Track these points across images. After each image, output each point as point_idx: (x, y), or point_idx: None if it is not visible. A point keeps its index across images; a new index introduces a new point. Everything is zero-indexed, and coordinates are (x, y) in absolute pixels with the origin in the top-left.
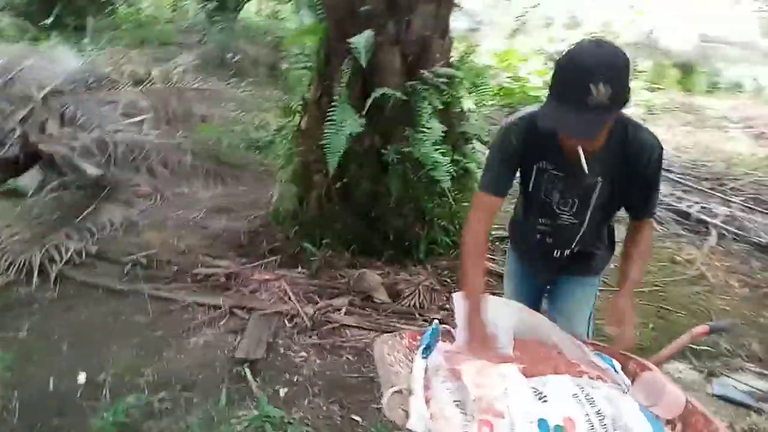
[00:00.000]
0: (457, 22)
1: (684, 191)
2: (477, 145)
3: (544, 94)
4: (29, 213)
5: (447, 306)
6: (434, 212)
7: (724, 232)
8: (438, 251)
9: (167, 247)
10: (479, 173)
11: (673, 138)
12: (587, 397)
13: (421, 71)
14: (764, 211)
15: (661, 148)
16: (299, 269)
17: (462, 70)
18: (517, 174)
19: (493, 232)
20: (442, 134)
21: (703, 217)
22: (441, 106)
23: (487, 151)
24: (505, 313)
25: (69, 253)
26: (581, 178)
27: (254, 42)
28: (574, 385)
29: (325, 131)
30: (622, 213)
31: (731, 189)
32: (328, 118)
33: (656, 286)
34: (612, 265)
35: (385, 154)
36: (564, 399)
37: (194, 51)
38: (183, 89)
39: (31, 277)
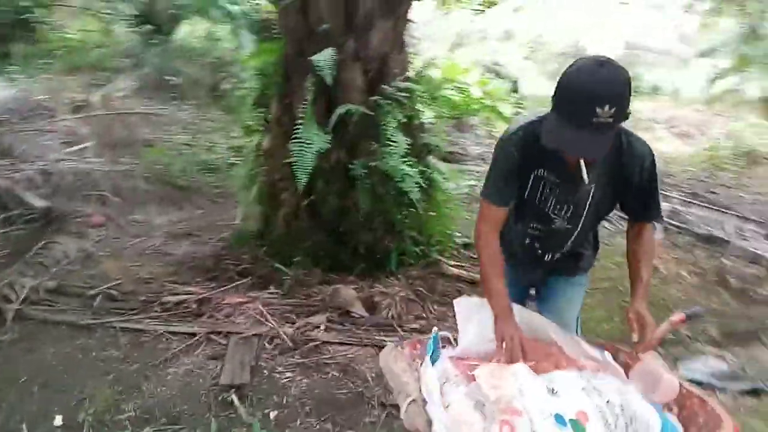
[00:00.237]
0: None
1: None
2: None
3: (485, 104)
4: None
5: (424, 315)
6: (403, 224)
7: (668, 225)
8: (409, 262)
9: (130, 277)
10: (443, 183)
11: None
12: (595, 389)
13: (383, 86)
14: (701, 204)
15: (653, 155)
16: (271, 290)
17: (420, 83)
18: None
19: (457, 240)
20: (408, 147)
21: None
22: (404, 120)
23: (444, 164)
24: None
25: (25, 291)
26: (578, 185)
27: (193, 63)
28: (580, 379)
29: (293, 149)
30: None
31: (669, 186)
32: (295, 136)
33: (614, 280)
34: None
35: (352, 168)
36: (574, 393)
37: (131, 75)
38: (125, 114)
39: None
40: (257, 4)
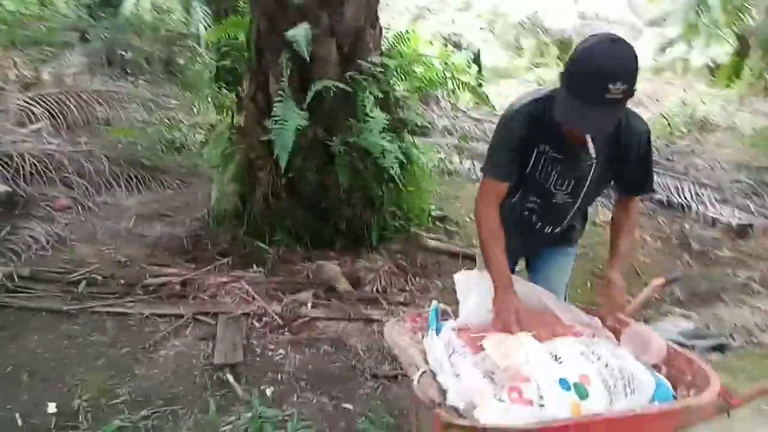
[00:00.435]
0: None
1: None
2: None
3: (448, 77)
4: None
5: (407, 288)
6: (383, 199)
7: None
8: (388, 236)
9: (106, 261)
10: (420, 157)
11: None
12: (594, 354)
13: (358, 61)
14: (660, 171)
15: (650, 132)
16: (254, 268)
17: (394, 58)
18: None
19: (433, 213)
20: (386, 122)
21: None
22: (381, 95)
23: (420, 138)
24: None
25: None
26: (580, 161)
27: (145, 37)
28: (579, 345)
29: (272, 127)
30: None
31: None
32: (273, 114)
33: (584, 248)
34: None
35: (331, 145)
36: (576, 358)
37: (79, 50)
38: (80, 92)
39: None
40: None
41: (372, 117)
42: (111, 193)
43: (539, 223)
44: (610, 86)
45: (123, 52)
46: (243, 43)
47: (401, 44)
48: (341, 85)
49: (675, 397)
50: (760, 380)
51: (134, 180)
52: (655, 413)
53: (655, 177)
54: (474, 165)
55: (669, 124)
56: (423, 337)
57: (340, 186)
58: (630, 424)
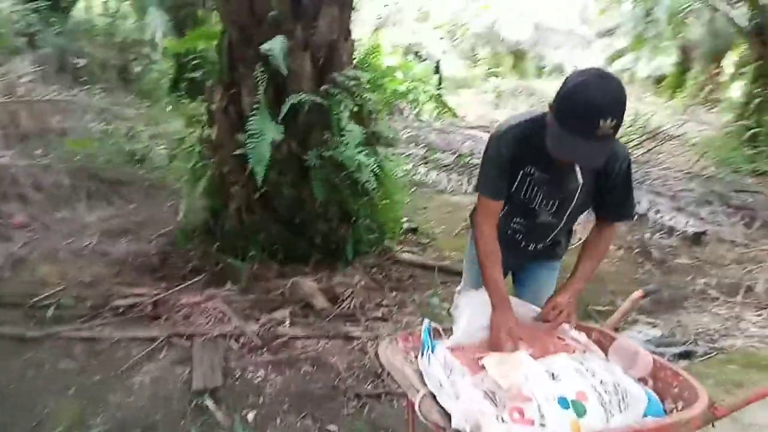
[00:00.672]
0: None
1: None
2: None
3: (408, 87)
4: None
5: (384, 303)
6: (358, 213)
7: None
8: (363, 250)
9: (70, 281)
10: (394, 170)
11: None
12: (588, 371)
13: (333, 74)
14: None
15: (630, 158)
16: (228, 286)
17: (366, 71)
18: None
19: (405, 225)
20: (363, 135)
21: None
22: (355, 109)
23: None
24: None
25: None
26: (567, 183)
27: (98, 44)
28: (573, 362)
29: (247, 141)
30: None
31: None
32: (248, 127)
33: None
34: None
35: (305, 159)
36: (571, 375)
37: (28, 57)
38: (32, 101)
39: None
40: None
41: (348, 131)
42: (71, 209)
43: (524, 242)
44: (601, 122)
45: (75, 59)
46: (210, 54)
47: (372, 57)
48: (317, 99)
49: (665, 410)
50: (726, 385)
51: (95, 194)
52: (652, 429)
53: None
54: (440, 176)
55: (622, 134)
56: (415, 356)
57: (315, 200)
58: None
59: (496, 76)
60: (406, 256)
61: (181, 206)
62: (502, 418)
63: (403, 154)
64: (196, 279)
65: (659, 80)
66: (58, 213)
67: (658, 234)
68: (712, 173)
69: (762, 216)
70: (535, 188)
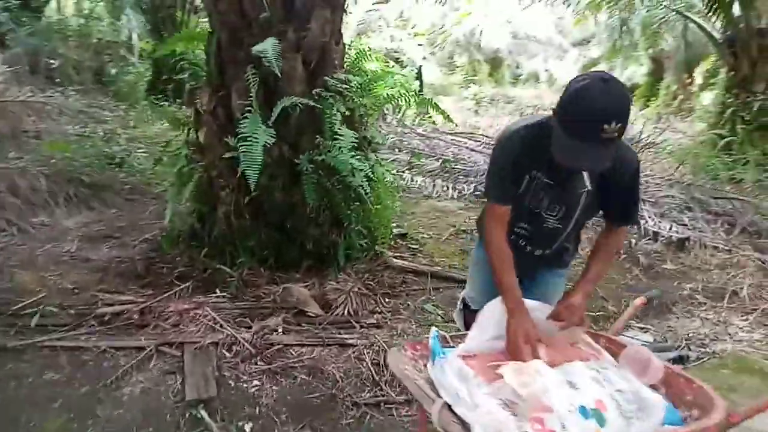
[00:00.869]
0: None
1: None
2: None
3: (399, 92)
4: None
5: (378, 309)
6: (351, 218)
7: None
8: (355, 256)
9: (52, 289)
10: (386, 175)
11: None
12: (605, 379)
13: (325, 78)
14: None
15: (639, 163)
16: (217, 293)
17: (359, 75)
18: None
19: (394, 230)
20: (355, 140)
21: None
22: (347, 113)
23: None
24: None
25: None
26: (574, 188)
27: (72, 45)
28: (590, 370)
29: (240, 144)
30: None
31: None
32: (239, 131)
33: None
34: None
35: (297, 163)
36: (589, 384)
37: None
38: (5, 102)
39: None
40: None
41: (341, 135)
42: (49, 213)
43: (529, 247)
44: (605, 126)
45: (49, 60)
46: (193, 57)
47: (363, 61)
48: (309, 102)
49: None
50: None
51: (74, 198)
52: None
53: None
54: (425, 181)
55: None
56: (424, 365)
57: (306, 205)
58: None
59: (474, 83)
60: (397, 261)
61: (166, 211)
62: (523, 429)
63: (388, 159)
64: (183, 286)
65: (632, 89)
66: (36, 218)
67: (643, 240)
68: (691, 180)
69: (741, 222)
70: (541, 193)
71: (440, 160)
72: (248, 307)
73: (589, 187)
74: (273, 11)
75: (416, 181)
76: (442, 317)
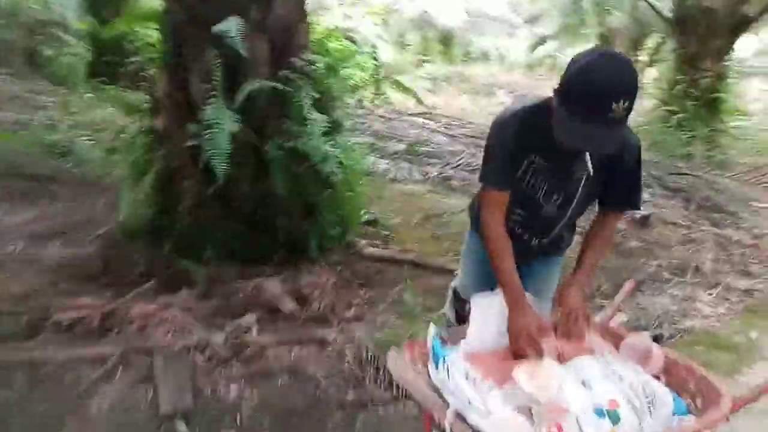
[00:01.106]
0: None
1: None
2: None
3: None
4: None
5: (355, 302)
6: (322, 206)
7: None
8: (328, 245)
9: None
10: (358, 161)
11: (461, 105)
12: (615, 374)
13: (291, 59)
14: None
15: (640, 146)
16: (183, 292)
17: (328, 56)
18: None
19: (365, 216)
20: (327, 124)
21: None
22: (318, 96)
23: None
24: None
25: None
26: (573, 173)
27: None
28: (599, 364)
29: (204, 132)
30: None
31: None
32: (205, 116)
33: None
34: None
35: (266, 151)
36: (601, 381)
37: None
38: None
39: None
40: None
41: (312, 119)
42: None
43: (525, 235)
44: (614, 105)
45: None
46: (141, 36)
47: (330, 41)
48: (277, 85)
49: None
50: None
51: (14, 193)
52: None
53: None
54: (389, 165)
55: None
56: (422, 366)
57: (275, 194)
58: None
59: (427, 62)
60: (370, 250)
61: (120, 204)
62: None
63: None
64: (146, 285)
65: None
66: None
67: None
68: (647, 157)
69: (696, 198)
70: (540, 178)
71: (403, 142)
72: (219, 306)
73: (591, 172)
74: None
75: (380, 164)
76: (421, 307)
